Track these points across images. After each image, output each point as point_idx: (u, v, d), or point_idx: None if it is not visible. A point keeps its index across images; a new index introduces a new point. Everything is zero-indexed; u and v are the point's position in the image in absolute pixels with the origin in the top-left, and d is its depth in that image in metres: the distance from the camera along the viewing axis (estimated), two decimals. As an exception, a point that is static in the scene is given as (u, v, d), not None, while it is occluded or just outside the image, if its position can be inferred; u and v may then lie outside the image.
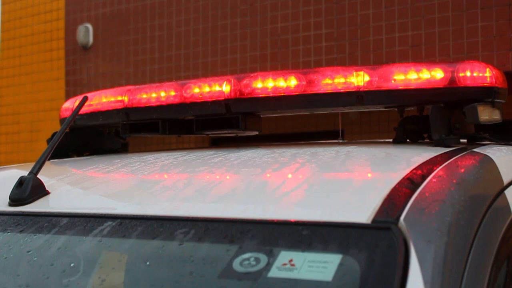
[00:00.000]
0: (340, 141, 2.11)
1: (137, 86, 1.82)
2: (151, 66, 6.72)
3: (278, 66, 5.91)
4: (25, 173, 1.28)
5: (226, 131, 1.72)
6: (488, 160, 1.33)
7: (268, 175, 1.28)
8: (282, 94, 1.58)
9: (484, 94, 1.51)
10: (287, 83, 1.58)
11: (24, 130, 7.60)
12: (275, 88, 1.58)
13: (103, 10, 7.11)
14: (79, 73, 7.25)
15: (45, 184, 1.29)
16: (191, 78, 3.75)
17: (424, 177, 1.08)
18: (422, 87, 1.51)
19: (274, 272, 0.91)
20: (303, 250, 0.93)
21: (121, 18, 6.96)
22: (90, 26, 7.15)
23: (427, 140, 1.67)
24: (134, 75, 6.80)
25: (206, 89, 1.66)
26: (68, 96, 7.11)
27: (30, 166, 1.32)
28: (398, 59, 5.37)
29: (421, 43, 5.32)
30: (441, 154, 1.31)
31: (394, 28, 5.43)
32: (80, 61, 7.24)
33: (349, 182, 1.17)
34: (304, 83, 1.56)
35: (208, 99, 1.65)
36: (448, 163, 1.19)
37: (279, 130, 6.18)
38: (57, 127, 2.41)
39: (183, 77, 6.37)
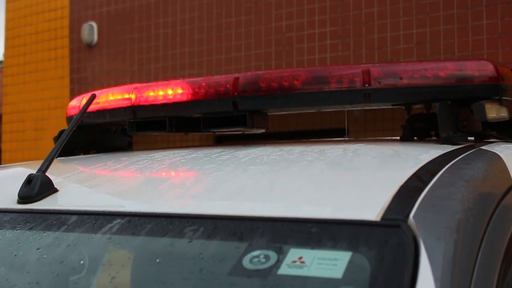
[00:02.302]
0: (347, 138, 2.11)
1: (144, 84, 1.83)
2: (155, 64, 6.73)
3: (283, 64, 5.90)
4: (32, 171, 1.28)
5: (233, 129, 1.72)
6: (496, 158, 1.33)
7: (277, 172, 1.28)
8: (289, 92, 1.58)
9: (491, 91, 1.51)
10: (294, 80, 1.58)
11: (28, 128, 7.61)
12: (282, 86, 1.58)
13: (107, 8, 7.11)
14: (84, 71, 7.26)
15: (54, 182, 1.29)
16: (196, 76, 3.75)
17: (432, 175, 1.08)
18: (429, 84, 1.51)
19: (284, 270, 0.91)
20: (313, 248, 0.93)
21: (125, 16, 6.96)
22: (94, 24, 7.16)
23: (434, 138, 1.67)
24: (139, 73, 6.81)
25: (214, 87, 1.66)
26: (73, 94, 7.12)
27: (37, 164, 1.32)
28: (402, 57, 5.37)
29: (426, 41, 5.31)
30: (449, 151, 1.31)
31: (399, 26, 5.42)
32: (84, 59, 7.25)
33: (358, 180, 1.17)
34: (311, 80, 1.56)
35: (215, 97, 1.65)
36: (457, 161, 1.19)
37: (283, 128, 6.18)
38: (62, 125, 2.41)
39: (188, 75, 6.38)
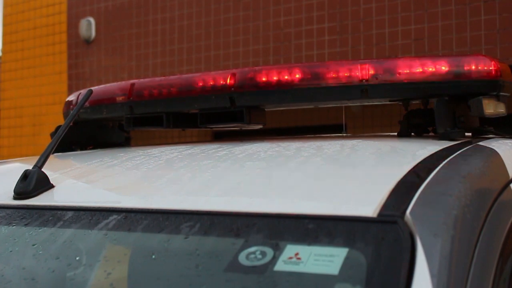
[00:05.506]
0: (344, 134, 2.11)
1: (141, 80, 1.82)
2: (153, 60, 6.72)
3: (281, 59, 5.90)
4: (29, 166, 1.28)
5: (230, 125, 1.71)
6: (493, 154, 1.32)
7: (274, 168, 1.28)
8: (287, 88, 1.58)
9: (489, 87, 1.50)
10: (292, 76, 1.57)
11: (26, 124, 7.60)
12: (279, 81, 1.58)
13: (105, 3, 7.10)
14: (82, 67, 7.25)
15: (50, 178, 1.28)
16: (194, 72, 3.74)
17: (429, 171, 1.08)
18: (427, 80, 1.50)
19: (280, 266, 0.91)
20: (309, 244, 0.93)
21: (123, 11, 6.95)
22: (92, 20, 7.14)
23: (431, 134, 1.66)
24: (137, 69, 6.80)
25: (211, 82, 1.65)
26: (71, 90, 7.11)
27: (33, 159, 1.32)
28: (401, 53, 5.36)
29: (424, 36, 5.30)
30: (446, 147, 1.31)
31: (397, 21, 5.42)
32: (82, 55, 7.23)
33: (354, 176, 1.17)
34: (309, 76, 1.56)
35: (213, 93, 1.65)
36: (454, 157, 1.19)
37: (281, 124, 6.18)
38: (60, 121, 2.40)
39: (186, 71, 6.37)
